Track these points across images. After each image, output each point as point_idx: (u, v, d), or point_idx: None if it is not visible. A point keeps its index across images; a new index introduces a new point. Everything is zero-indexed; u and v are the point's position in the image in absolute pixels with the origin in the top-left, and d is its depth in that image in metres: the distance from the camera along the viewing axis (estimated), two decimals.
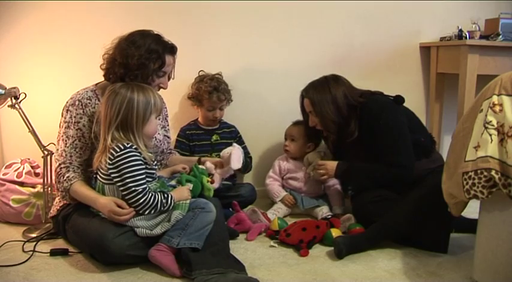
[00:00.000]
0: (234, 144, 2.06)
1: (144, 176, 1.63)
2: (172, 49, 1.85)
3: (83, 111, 1.80)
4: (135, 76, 1.75)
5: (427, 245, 1.84)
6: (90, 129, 1.79)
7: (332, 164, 2.12)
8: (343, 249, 1.77)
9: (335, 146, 2.24)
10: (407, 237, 1.86)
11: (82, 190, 1.72)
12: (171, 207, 1.65)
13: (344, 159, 2.16)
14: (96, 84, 1.90)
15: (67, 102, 1.84)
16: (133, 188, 1.60)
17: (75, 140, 1.79)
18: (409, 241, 1.87)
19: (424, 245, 1.84)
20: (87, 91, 1.85)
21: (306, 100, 2.12)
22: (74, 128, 1.79)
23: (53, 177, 1.89)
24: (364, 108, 2.04)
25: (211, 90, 2.27)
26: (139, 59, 1.74)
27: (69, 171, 1.77)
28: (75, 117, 1.80)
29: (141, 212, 1.63)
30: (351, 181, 2.17)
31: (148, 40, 1.78)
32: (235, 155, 1.94)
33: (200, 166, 1.89)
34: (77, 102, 1.81)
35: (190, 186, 1.75)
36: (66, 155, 1.79)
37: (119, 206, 1.62)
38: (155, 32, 1.84)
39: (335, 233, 1.91)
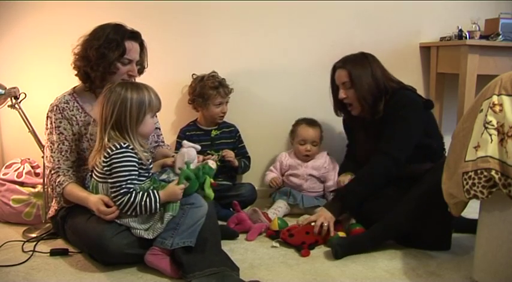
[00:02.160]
0: (184, 142, 1.95)
1: (133, 176, 1.63)
2: (132, 35, 1.84)
3: (62, 115, 1.82)
4: (97, 66, 1.76)
5: (429, 243, 1.83)
6: (71, 131, 1.82)
7: (325, 213, 1.93)
8: (338, 250, 1.77)
9: (353, 126, 2.22)
10: (409, 237, 1.85)
11: (74, 191, 1.75)
12: (156, 211, 1.63)
13: (354, 143, 2.17)
14: (74, 87, 1.92)
15: (47, 110, 1.86)
16: (117, 188, 1.61)
17: (59, 144, 1.81)
18: (411, 241, 1.86)
19: (426, 243, 1.84)
20: (64, 95, 1.87)
21: (343, 71, 2.06)
22: (56, 133, 1.82)
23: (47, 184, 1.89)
24: (393, 96, 2.02)
25: (217, 86, 2.30)
26: (98, 49, 1.75)
27: (59, 175, 1.79)
28: (55, 122, 1.82)
29: (123, 211, 1.62)
30: (352, 204, 1.98)
31: (107, 30, 1.79)
32: (180, 155, 1.84)
33: (210, 162, 1.81)
34: (54, 108, 1.83)
35: (186, 184, 1.67)
36: (54, 160, 1.81)
37: (106, 204, 1.64)
38: (116, 23, 1.84)
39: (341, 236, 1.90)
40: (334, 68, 2.12)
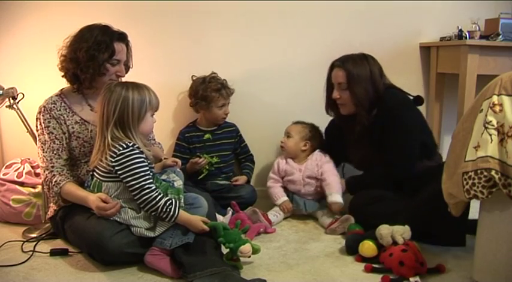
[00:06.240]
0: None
1: (148, 174, 1.64)
2: (120, 36, 1.86)
3: (50, 115, 1.83)
4: (87, 67, 1.78)
5: (443, 240, 1.82)
6: (61, 130, 1.83)
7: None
8: (352, 246, 1.77)
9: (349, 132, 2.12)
10: (424, 234, 1.82)
11: (72, 190, 1.76)
12: (171, 220, 1.63)
13: (340, 148, 2.14)
14: (62, 89, 1.93)
15: (36, 112, 1.87)
16: (139, 186, 1.61)
17: (50, 143, 1.82)
18: (425, 238, 1.84)
19: (440, 240, 1.82)
20: (51, 97, 1.89)
21: (340, 71, 1.98)
22: (46, 132, 1.83)
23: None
24: (381, 98, 1.96)
25: (220, 88, 2.29)
26: (88, 51, 1.76)
27: (54, 175, 1.79)
28: (44, 122, 1.83)
29: (145, 209, 1.63)
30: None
31: (95, 32, 1.80)
32: None
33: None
34: (42, 109, 1.85)
35: (206, 228, 1.66)
36: (46, 160, 1.82)
37: (104, 201, 1.65)
38: (103, 24, 1.85)
39: None
40: (332, 66, 2.05)
